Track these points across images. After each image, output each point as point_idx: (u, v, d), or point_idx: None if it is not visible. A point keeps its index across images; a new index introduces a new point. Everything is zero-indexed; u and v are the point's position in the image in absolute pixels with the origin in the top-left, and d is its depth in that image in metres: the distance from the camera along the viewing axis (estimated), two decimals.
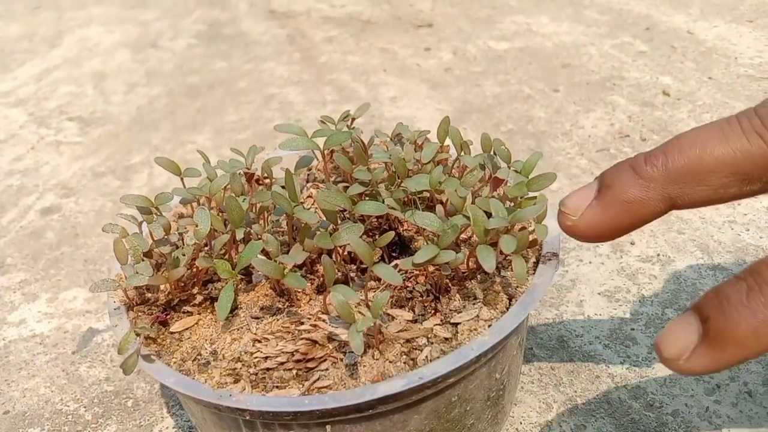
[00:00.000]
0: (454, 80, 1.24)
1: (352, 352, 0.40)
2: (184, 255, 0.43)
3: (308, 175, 0.59)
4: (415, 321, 0.43)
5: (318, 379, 0.40)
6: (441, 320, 0.43)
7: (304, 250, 0.44)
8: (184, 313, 0.46)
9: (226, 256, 0.46)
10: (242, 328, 0.44)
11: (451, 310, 0.43)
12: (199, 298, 0.46)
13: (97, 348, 0.69)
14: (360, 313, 0.41)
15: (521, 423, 0.54)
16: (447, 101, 1.16)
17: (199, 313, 0.45)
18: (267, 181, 0.53)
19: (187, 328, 0.44)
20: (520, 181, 0.46)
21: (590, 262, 0.71)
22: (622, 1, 1.58)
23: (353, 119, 0.59)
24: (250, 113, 1.18)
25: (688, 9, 1.48)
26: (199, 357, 0.42)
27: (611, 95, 1.11)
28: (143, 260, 0.45)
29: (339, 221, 0.45)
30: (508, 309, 0.43)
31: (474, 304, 0.43)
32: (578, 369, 0.59)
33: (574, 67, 1.24)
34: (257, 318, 0.44)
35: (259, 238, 0.45)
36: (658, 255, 0.72)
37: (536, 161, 0.47)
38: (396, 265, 0.44)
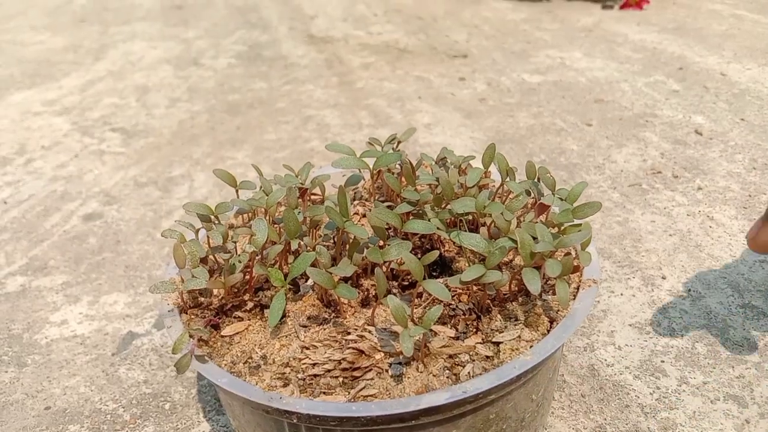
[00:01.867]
0: (487, 110, 1.27)
1: (398, 363, 0.42)
2: (240, 262, 0.45)
3: (354, 193, 0.61)
4: (457, 338, 0.44)
5: (363, 387, 0.41)
6: (482, 339, 0.44)
7: (352, 263, 0.46)
8: (235, 318, 0.48)
9: (277, 266, 0.48)
10: (290, 335, 0.45)
11: (492, 329, 0.45)
12: (250, 304, 0.48)
13: (136, 351, 0.71)
14: (408, 325, 0.43)
15: None
16: (480, 130, 1.18)
17: (249, 319, 0.47)
18: (317, 196, 0.55)
19: (237, 333, 0.46)
20: (566, 208, 0.48)
21: (622, 294, 0.72)
22: (656, 41, 1.60)
23: (399, 142, 0.61)
24: (289, 133, 1.22)
25: (722, 51, 1.50)
26: (250, 360, 0.44)
27: (644, 132, 1.12)
28: (199, 265, 0.47)
29: (386, 238, 0.47)
30: (548, 331, 0.44)
31: (515, 325, 0.45)
32: (608, 398, 0.60)
33: (607, 103, 1.26)
34: (305, 326, 0.46)
35: (310, 250, 0.47)
36: (689, 290, 0.73)
37: (582, 190, 0.49)
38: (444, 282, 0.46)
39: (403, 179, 0.53)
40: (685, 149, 1.05)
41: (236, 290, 0.48)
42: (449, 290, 0.45)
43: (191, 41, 1.87)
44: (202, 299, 0.48)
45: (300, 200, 0.53)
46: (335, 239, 0.49)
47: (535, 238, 0.45)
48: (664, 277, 0.75)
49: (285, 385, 0.42)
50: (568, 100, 1.28)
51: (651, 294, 0.72)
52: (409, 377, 0.41)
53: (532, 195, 0.51)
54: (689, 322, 0.68)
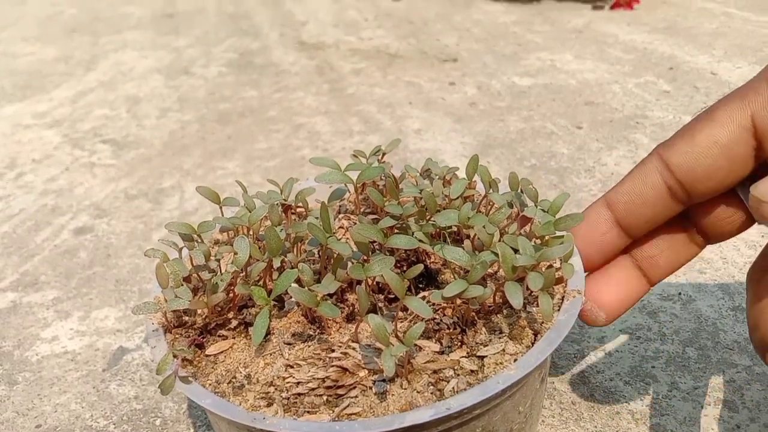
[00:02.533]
0: (478, 115, 1.27)
1: (382, 380, 0.42)
2: (222, 281, 0.45)
3: (340, 206, 0.60)
4: (441, 353, 0.44)
5: (348, 405, 0.41)
6: (467, 353, 0.44)
7: (336, 279, 0.45)
8: (219, 336, 0.47)
9: (261, 283, 0.48)
10: (275, 353, 0.45)
11: (477, 343, 0.45)
12: (234, 322, 0.48)
13: (127, 366, 0.71)
14: (390, 343, 0.43)
15: None
16: (471, 135, 1.18)
17: (234, 338, 0.47)
18: (301, 211, 0.55)
19: (222, 352, 0.46)
20: (548, 220, 0.47)
21: None
22: (646, 41, 1.61)
23: (384, 154, 0.61)
24: (280, 141, 1.22)
25: (712, 50, 1.50)
26: (234, 380, 0.44)
27: (634, 134, 1.12)
28: (182, 285, 0.47)
29: (370, 253, 0.47)
30: (533, 344, 0.44)
31: (500, 338, 0.45)
32: (599, 405, 0.60)
33: (598, 105, 1.26)
34: (289, 344, 0.46)
35: (293, 267, 0.47)
36: (680, 294, 0.73)
37: (563, 201, 0.49)
38: (425, 298, 0.46)
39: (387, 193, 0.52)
40: None
41: (220, 309, 0.48)
42: (430, 306, 0.44)
43: (182, 50, 1.86)
44: (187, 318, 0.48)
45: (284, 216, 0.53)
46: (320, 255, 0.49)
47: (517, 251, 0.44)
48: None
49: (269, 405, 0.42)
50: (558, 103, 1.29)
51: (641, 298, 0.72)
52: (393, 394, 0.41)
53: (515, 207, 0.51)
54: (679, 326, 0.68)
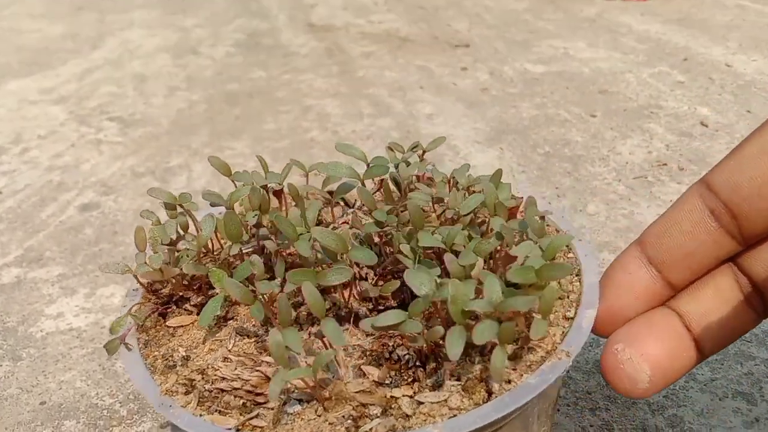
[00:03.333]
0: (490, 100, 1.25)
1: (298, 400, 0.39)
2: (188, 255, 0.45)
3: (355, 200, 0.58)
4: (382, 384, 0.39)
5: (256, 416, 0.38)
6: (414, 392, 0.39)
7: (289, 281, 0.42)
8: (185, 310, 0.46)
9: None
10: (224, 340, 0.44)
11: (428, 384, 0.39)
12: (197, 299, 0.47)
13: None
14: (288, 364, 0.38)
15: None
16: (483, 121, 1.16)
17: (198, 314, 0.46)
18: (291, 200, 0.53)
19: (182, 326, 0.45)
20: (529, 266, 0.39)
21: None
22: (660, 31, 1.59)
23: (424, 151, 0.55)
24: (288, 123, 1.20)
25: (727, 42, 1.48)
26: (170, 358, 0.43)
27: (648, 123, 1.11)
28: (156, 252, 0.46)
29: (340, 258, 0.43)
30: (483, 403, 0.38)
31: (453, 385, 0.39)
32: (615, 394, 0.59)
33: (612, 94, 1.24)
34: (241, 335, 0.44)
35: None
36: None
37: (563, 244, 0.41)
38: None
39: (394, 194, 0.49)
40: (690, 141, 1.04)
41: (187, 283, 0.47)
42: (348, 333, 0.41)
43: (190, 29, 1.84)
44: (159, 286, 0.47)
45: (278, 201, 0.52)
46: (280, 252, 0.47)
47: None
48: None
49: (187, 393, 0.40)
50: (571, 91, 1.27)
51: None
52: (302, 418, 0.38)
53: (506, 239, 0.42)
54: None
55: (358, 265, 0.47)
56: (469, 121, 1.17)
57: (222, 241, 0.51)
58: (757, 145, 0.36)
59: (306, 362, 0.40)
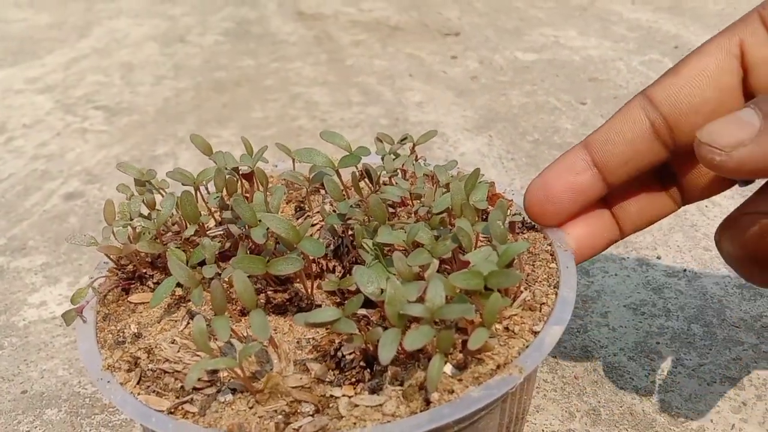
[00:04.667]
0: (480, 88, 1.24)
1: (231, 389, 0.38)
2: (148, 233, 0.44)
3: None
4: (323, 382, 0.38)
5: (188, 402, 0.38)
6: (355, 393, 0.37)
7: (235, 268, 0.40)
8: (148, 287, 0.46)
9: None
10: (177, 321, 0.43)
11: (371, 386, 0.38)
12: (158, 277, 0.46)
13: None
14: (213, 353, 0.37)
15: (543, 430, 0.54)
16: (472, 109, 1.15)
17: None
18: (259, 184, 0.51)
19: (143, 302, 0.45)
20: (476, 271, 0.36)
21: (616, 275, 0.71)
22: (651, 19, 1.58)
23: (414, 145, 0.54)
24: (276, 111, 1.19)
25: (718, 31, 1.47)
26: (122, 333, 0.42)
27: None
28: (122, 228, 0.46)
29: (294, 247, 0.41)
30: (419, 411, 0.36)
31: (393, 390, 0.37)
32: (602, 380, 0.58)
33: (602, 81, 1.24)
34: (193, 318, 0.42)
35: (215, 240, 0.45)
36: (685, 270, 0.71)
37: (519, 251, 0.38)
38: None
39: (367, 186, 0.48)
40: None
41: (150, 260, 0.46)
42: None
43: (178, 18, 1.83)
44: (125, 261, 0.47)
45: (248, 184, 0.51)
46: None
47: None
48: (659, 257, 0.73)
49: (129, 371, 0.39)
50: (562, 79, 1.26)
51: (646, 274, 0.71)
52: (233, 408, 0.37)
53: (463, 243, 0.40)
54: (685, 302, 0.67)
55: (326, 257, 0.46)
56: (458, 108, 1.16)
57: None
58: (695, 65, 0.40)
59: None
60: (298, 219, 0.52)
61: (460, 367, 0.37)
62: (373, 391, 0.37)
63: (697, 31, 1.48)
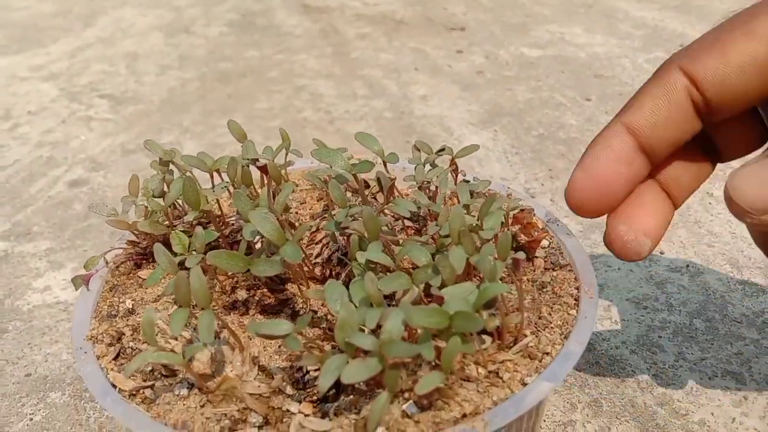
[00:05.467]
0: (485, 83, 1.24)
1: (190, 384, 0.37)
2: (157, 212, 0.45)
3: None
4: (283, 393, 0.37)
5: (152, 386, 0.37)
6: (312, 412, 0.36)
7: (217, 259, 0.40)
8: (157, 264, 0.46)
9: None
10: (172, 303, 0.43)
11: (326, 408, 0.36)
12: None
13: None
14: (159, 346, 0.37)
15: (545, 421, 0.54)
16: (477, 103, 1.15)
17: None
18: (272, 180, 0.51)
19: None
20: (442, 309, 0.33)
21: (619, 269, 0.71)
22: (657, 18, 1.58)
23: (453, 158, 0.50)
24: (281, 102, 1.19)
25: None
26: (116, 307, 0.43)
27: None
28: (139, 204, 0.47)
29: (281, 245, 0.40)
30: None
31: (348, 417, 0.35)
32: (604, 372, 0.58)
33: (607, 78, 1.23)
34: None
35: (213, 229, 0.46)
36: (688, 266, 0.71)
37: (490, 295, 0.34)
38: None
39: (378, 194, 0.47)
40: None
41: (161, 238, 0.46)
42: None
43: (183, 9, 1.83)
44: (141, 237, 0.48)
45: (263, 177, 0.51)
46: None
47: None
48: (662, 253, 0.73)
49: (110, 345, 0.39)
50: (567, 75, 1.26)
51: (649, 269, 0.71)
52: (185, 404, 0.36)
53: (443, 275, 0.37)
54: (687, 297, 0.67)
55: (330, 262, 0.45)
56: (463, 103, 1.16)
57: (230, 207, 0.51)
58: (745, 51, 0.38)
59: (214, 348, 0.38)
60: (316, 219, 0.50)
61: (423, 408, 0.34)
62: (326, 415, 0.35)
63: (703, 30, 1.47)
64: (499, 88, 1.22)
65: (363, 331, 0.33)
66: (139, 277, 0.46)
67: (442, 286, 0.35)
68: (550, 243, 0.47)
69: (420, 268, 0.37)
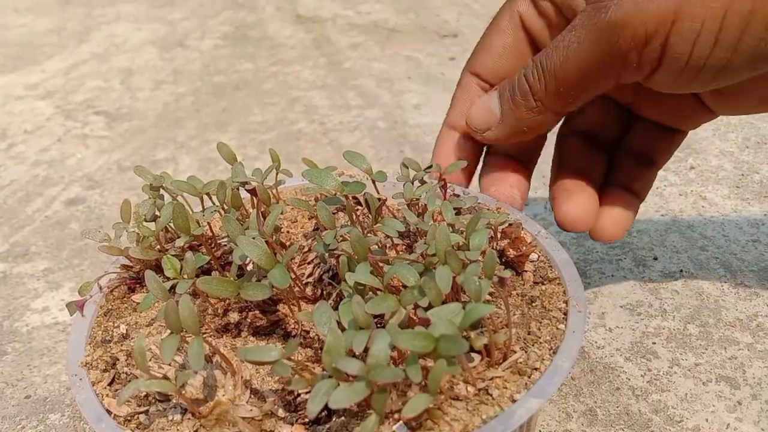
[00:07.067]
0: None
1: (183, 409, 0.38)
2: (149, 238, 0.46)
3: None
4: (275, 416, 0.37)
5: (146, 411, 0.38)
6: (304, 429, 0.36)
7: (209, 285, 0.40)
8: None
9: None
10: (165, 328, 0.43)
11: (318, 431, 0.36)
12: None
13: None
14: (150, 373, 0.37)
15: (540, 431, 0.54)
16: None
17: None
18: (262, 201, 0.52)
19: None
20: (426, 332, 0.33)
21: (612, 275, 0.71)
22: None
23: (441, 175, 0.52)
24: (275, 115, 1.19)
25: None
26: (110, 332, 0.43)
27: None
28: (131, 230, 0.48)
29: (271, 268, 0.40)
30: None
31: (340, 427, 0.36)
32: (598, 380, 0.59)
33: None
34: None
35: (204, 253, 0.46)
36: (681, 271, 0.72)
37: (475, 316, 0.34)
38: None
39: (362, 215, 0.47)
40: None
41: (154, 263, 0.47)
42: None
43: (177, 22, 1.83)
44: (133, 261, 0.48)
45: (253, 199, 0.51)
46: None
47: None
48: (655, 258, 0.74)
49: (105, 370, 0.40)
50: None
51: (642, 275, 0.71)
52: (177, 429, 0.37)
53: (429, 297, 0.37)
54: (681, 302, 0.67)
55: (322, 282, 0.45)
56: None
57: (221, 229, 0.51)
58: (499, 44, 0.59)
59: (206, 374, 0.38)
60: (308, 239, 0.51)
61: (413, 429, 0.35)
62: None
63: None
64: None
65: (353, 353, 0.34)
66: (133, 301, 0.46)
67: (429, 307, 0.35)
68: (539, 256, 0.48)
69: (407, 289, 0.37)
